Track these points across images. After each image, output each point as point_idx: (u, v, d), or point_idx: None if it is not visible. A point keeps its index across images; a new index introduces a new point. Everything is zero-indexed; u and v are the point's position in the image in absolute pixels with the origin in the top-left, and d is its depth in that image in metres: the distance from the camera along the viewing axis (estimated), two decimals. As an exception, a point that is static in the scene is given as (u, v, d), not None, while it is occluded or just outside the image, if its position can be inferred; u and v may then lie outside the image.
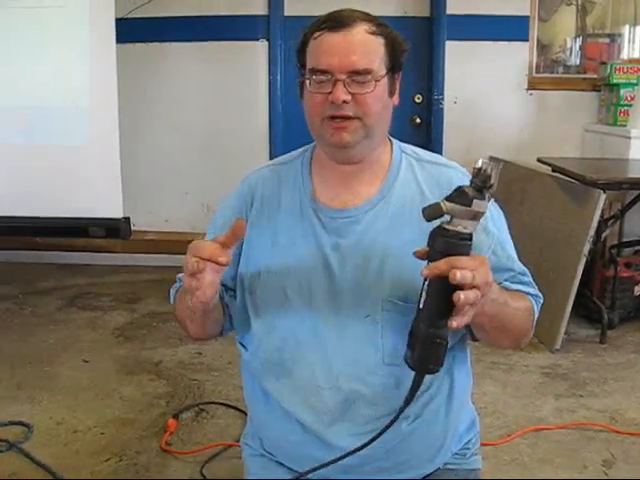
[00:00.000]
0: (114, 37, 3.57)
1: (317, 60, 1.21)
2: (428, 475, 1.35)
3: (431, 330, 1.05)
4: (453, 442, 1.38)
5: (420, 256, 1.07)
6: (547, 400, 2.80)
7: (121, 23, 3.86)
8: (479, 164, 1.02)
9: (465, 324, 1.05)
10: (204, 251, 1.09)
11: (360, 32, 1.21)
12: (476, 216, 1.02)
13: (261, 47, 4.73)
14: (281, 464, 1.37)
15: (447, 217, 1.03)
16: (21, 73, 3.59)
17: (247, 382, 1.42)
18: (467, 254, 1.03)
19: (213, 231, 1.38)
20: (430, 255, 1.05)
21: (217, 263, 1.09)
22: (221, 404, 2.74)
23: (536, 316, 1.35)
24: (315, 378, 1.27)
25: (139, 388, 2.91)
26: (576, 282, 3.25)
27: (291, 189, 1.34)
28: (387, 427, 1.13)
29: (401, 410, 1.13)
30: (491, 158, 0.98)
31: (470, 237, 1.04)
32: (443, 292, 1.02)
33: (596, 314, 3.55)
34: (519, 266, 1.34)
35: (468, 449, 1.43)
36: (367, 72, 1.20)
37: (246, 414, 1.51)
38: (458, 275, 0.99)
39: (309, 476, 1.30)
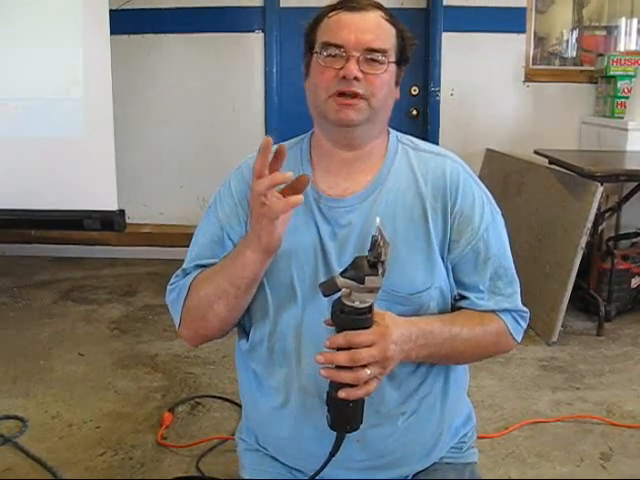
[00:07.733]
0: (108, 28, 3.55)
1: (332, 35, 1.22)
2: (424, 470, 1.34)
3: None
4: (449, 436, 1.37)
5: (328, 325, 1.09)
6: (544, 393, 2.80)
7: (115, 14, 3.83)
8: (375, 234, 1.01)
9: (366, 394, 1.07)
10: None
11: (376, 16, 1.24)
12: (372, 290, 1.02)
13: (257, 39, 4.70)
14: (276, 459, 1.36)
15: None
16: (14, 64, 3.56)
17: (242, 377, 1.40)
18: (367, 326, 1.06)
19: (215, 221, 1.33)
20: (334, 325, 1.07)
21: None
22: (217, 397, 2.73)
23: (510, 327, 1.31)
24: (313, 367, 1.25)
25: (135, 381, 2.89)
26: (573, 274, 3.24)
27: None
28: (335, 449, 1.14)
29: (336, 449, 1.13)
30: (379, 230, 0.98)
31: (369, 309, 1.05)
32: None
33: (593, 306, 3.55)
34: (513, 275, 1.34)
35: (464, 443, 1.43)
36: (381, 52, 1.22)
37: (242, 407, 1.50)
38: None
39: (304, 471, 1.29)
